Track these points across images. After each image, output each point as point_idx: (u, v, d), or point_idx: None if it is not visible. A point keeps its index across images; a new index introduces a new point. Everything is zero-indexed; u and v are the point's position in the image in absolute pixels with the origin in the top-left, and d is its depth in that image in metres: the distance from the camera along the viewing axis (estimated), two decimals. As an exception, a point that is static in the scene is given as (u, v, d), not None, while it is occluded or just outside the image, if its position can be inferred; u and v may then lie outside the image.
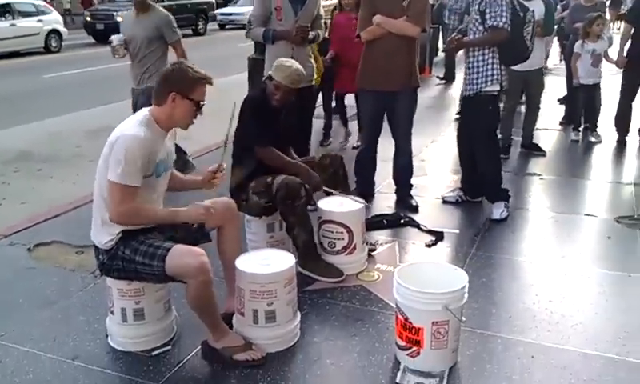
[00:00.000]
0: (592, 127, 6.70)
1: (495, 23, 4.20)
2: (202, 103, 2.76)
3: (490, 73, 4.35)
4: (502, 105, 5.19)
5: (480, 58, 4.36)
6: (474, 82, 4.40)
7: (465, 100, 4.59)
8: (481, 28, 4.30)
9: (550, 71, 10.24)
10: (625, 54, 6.45)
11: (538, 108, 6.33)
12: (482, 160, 4.60)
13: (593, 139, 6.60)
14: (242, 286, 2.87)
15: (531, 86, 6.09)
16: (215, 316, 2.80)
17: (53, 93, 10.64)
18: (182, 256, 2.63)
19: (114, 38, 5.07)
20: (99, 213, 2.75)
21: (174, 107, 2.72)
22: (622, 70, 6.60)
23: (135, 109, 4.77)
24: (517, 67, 4.93)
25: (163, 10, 5.18)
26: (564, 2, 8.85)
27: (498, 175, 4.62)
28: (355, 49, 5.39)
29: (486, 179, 4.64)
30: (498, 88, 4.42)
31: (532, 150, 6.22)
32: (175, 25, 5.16)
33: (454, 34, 4.44)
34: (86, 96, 10.01)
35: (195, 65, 2.78)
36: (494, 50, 4.35)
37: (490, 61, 4.35)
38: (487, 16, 4.22)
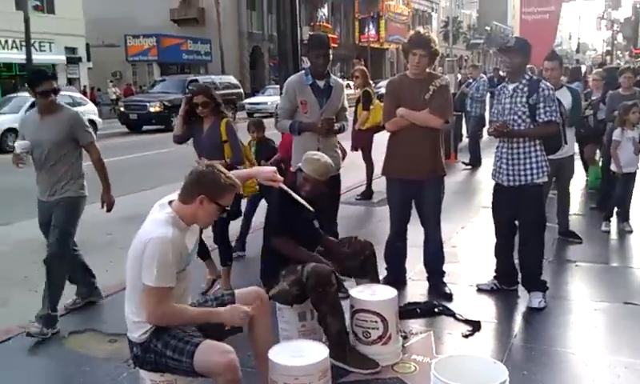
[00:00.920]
0: (625, 216, 6.60)
1: (553, 118, 4.31)
2: (227, 208, 2.82)
3: (540, 165, 4.39)
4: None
5: (528, 149, 4.38)
6: (522, 172, 4.39)
7: (506, 190, 4.50)
8: (528, 120, 4.34)
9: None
10: None
11: (569, 194, 6.30)
12: (528, 249, 4.54)
13: (626, 229, 6.50)
14: (275, 378, 2.82)
15: (563, 173, 6.09)
16: None
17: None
18: (209, 354, 2.62)
19: (18, 145, 4.27)
20: (133, 308, 2.76)
21: (199, 208, 2.76)
22: None
23: (47, 225, 4.33)
24: (551, 155, 4.99)
25: (72, 109, 4.56)
26: (587, 92, 8.93)
27: (540, 265, 4.55)
28: None
29: (527, 268, 4.56)
30: (546, 179, 4.48)
31: (569, 237, 6.14)
32: (88, 125, 4.56)
33: (499, 120, 4.44)
34: (117, 184, 10.12)
35: (225, 171, 2.83)
36: (541, 141, 4.41)
37: (540, 153, 4.40)
38: (542, 111, 4.29)
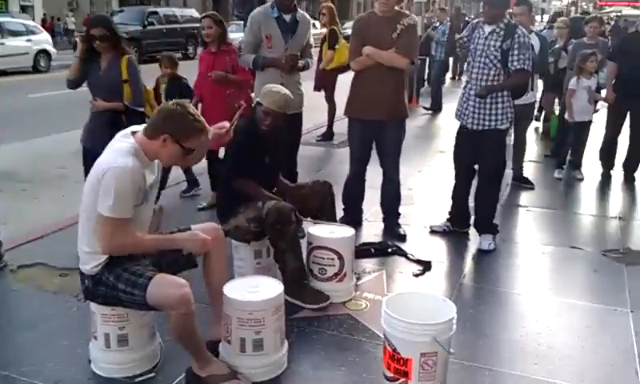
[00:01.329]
0: (577, 164, 6.76)
1: (526, 66, 4.27)
2: (191, 152, 2.73)
3: (506, 111, 4.39)
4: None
5: (496, 95, 4.36)
6: (487, 117, 4.39)
7: (469, 133, 4.51)
8: (499, 65, 4.29)
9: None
10: (612, 90, 6.56)
11: (525, 140, 6.40)
12: (484, 193, 4.60)
13: (577, 176, 6.67)
14: (230, 313, 2.83)
15: (522, 119, 6.17)
16: (199, 346, 2.75)
17: (38, 113, 10.57)
18: (163, 287, 2.60)
19: None
20: (85, 239, 2.70)
21: (162, 147, 2.67)
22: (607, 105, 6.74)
23: None
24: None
25: None
26: (551, 40, 8.94)
27: (494, 209, 4.64)
28: (219, 92, 4.97)
29: (482, 212, 4.64)
30: (509, 125, 4.49)
31: (522, 183, 6.27)
32: None
33: (481, 79, 4.38)
34: (71, 116, 9.82)
35: (196, 112, 2.72)
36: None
37: (507, 99, 4.39)
38: (516, 58, 4.23)
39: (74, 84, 4.34)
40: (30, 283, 3.85)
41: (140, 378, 2.82)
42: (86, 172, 3.81)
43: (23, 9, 27.81)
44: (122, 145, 2.68)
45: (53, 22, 29.36)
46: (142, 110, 4.31)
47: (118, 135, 2.78)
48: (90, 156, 3.77)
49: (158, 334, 3.01)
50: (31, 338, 3.17)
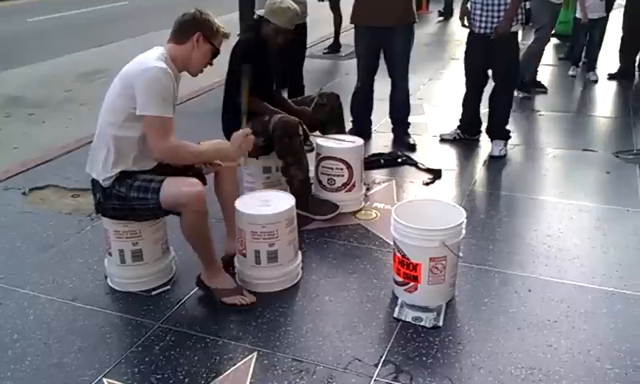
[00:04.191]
0: (592, 65, 6.58)
1: None
2: (218, 53, 2.74)
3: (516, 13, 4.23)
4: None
5: None
6: (496, 19, 4.25)
7: (480, 37, 4.38)
8: None
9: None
10: None
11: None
12: (499, 97, 4.52)
13: (592, 78, 6.50)
14: (243, 227, 2.85)
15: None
16: (210, 250, 2.77)
17: (39, 36, 10.39)
18: (177, 185, 2.60)
19: None
20: (104, 144, 2.65)
21: (194, 48, 2.67)
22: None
23: None
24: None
25: None
26: None
27: (508, 114, 4.57)
28: None
29: (495, 116, 4.57)
30: (520, 27, 4.36)
31: (535, 87, 6.13)
32: None
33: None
34: (73, 39, 9.77)
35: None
36: None
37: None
38: None
39: None
40: (42, 205, 3.89)
41: (156, 292, 2.88)
42: None
43: None
44: (153, 53, 2.65)
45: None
46: None
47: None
48: None
49: (172, 249, 3.06)
50: (48, 257, 3.23)
